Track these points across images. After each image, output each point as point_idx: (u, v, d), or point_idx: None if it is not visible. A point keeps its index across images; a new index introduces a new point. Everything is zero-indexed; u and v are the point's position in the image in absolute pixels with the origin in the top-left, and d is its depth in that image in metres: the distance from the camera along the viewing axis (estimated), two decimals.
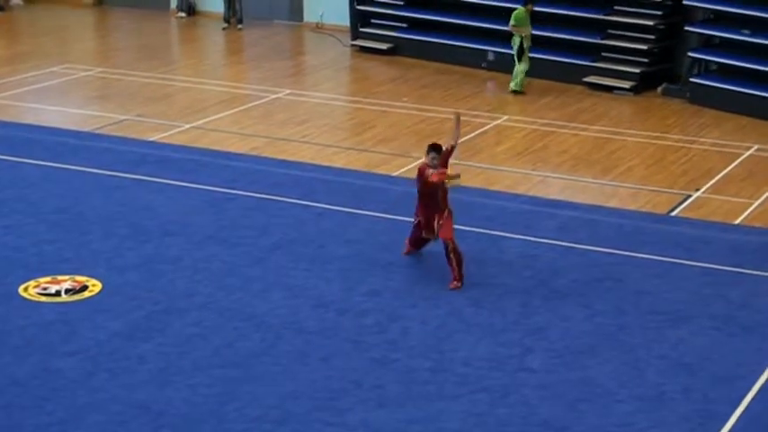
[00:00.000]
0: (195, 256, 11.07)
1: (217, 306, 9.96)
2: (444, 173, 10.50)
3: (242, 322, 9.66)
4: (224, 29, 22.62)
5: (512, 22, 17.74)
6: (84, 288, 10.17)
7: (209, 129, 15.66)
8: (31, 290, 10.07)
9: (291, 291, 10.32)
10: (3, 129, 15.12)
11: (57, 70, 18.71)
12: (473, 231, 11.86)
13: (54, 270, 10.50)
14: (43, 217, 11.90)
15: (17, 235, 11.39)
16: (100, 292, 10.13)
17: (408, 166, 14.16)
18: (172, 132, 15.37)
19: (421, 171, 10.63)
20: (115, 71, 18.93)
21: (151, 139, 15.03)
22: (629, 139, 15.66)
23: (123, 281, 10.39)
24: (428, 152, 10.65)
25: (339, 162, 14.30)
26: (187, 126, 15.74)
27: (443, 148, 10.66)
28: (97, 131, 15.28)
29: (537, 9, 18.26)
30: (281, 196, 12.76)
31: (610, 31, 18.64)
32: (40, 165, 13.63)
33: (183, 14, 23.72)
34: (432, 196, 10.60)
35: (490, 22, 19.52)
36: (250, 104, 17.12)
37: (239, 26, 22.63)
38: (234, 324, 9.62)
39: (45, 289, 10.09)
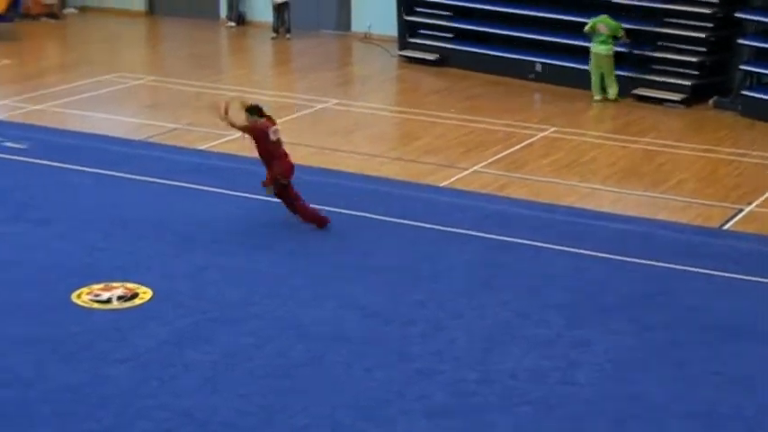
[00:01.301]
0: (243, 265, 11.15)
1: (264, 315, 10.03)
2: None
3: (288, 331, 9.71)
4: (273, 38, 22.79)
5: (609, 31, 17.80)
6: (135, 295, 10.28)
7: None
8: (83, 296, 10.20)
9: (338, 300, 10.37)
10: (55, 136, 15.33)
11: (108, 79, 18.94)
12: (519, 243, 11.84)
13: (106, 277, 10.63)
14: (95, 224, 12.05)
15: (70, 242, 11.54)
16: (150, 299, 10.24)
17: (455, 177, 14.19)
18: (221, 141, 15.50)
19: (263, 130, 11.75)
20: (166, 80, 19.13)
21: (201, 147, 15.17)
22: (679, 152, 15.56)
23: (173, 288, 10.49)
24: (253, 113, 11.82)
25: (386, 172, 14.34)
26: (235, 135, 15.81)
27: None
28: (148, 140, 15.45)
29: (588, 21, 18.23)
30: (329, 206, 12.80)
31: (660, 43, 18.53)
32: (92, 172, 13.81)
33: (233, 24, 23.93)
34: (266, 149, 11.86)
35: (538, 34, 19.52)
36: (297, 114, 17.23)
37: (288, 36, 22.78)
38: (280, 333, 9.67)
39: (97, 296, 10.22)
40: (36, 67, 20.10)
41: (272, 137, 11.88)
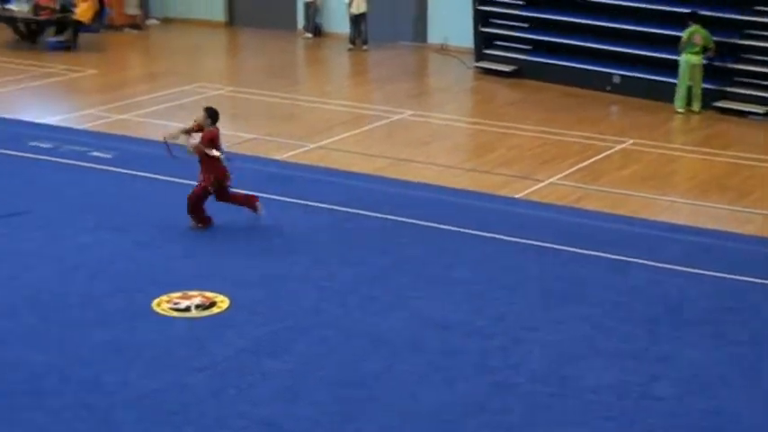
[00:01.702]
0: (319, 274, 11.20)
1: (339, 325, 10.05)
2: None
3: (365, 341, 9.72)
4: (349, 50, 22.90)
5: (703, 42, 17.63)
6: (213, 304, 10.38)
7: (333, 148, 15.85)
8: (163, 305, 10.32)
9: (413, 311, 10.35)
10: (138, 146, 15.57)
11: (189, 89, 19.20)
12: (596, 256, 11.72)
13: (184, 285, 10.74)
14: (173, 233, 12.20)
15: (150, 251, 11.69)
16: (228, 308, 10.32)
17: (531, 189, 14.10)
18: (297, 152, 15.60)
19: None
20: (244, 90, 19.33)
21: (277, 157, 15.28)
22: (763, 165, 15.27)
23: (249, 297, 10.56)
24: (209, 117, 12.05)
25: (461, 183, 14.31)
26: (312, 146, 15.96)
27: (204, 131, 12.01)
28: (227, 149, 15.56)
29: (667, 32, 18.04)
30: (404, 216, 12.82)
31: (743, 55, 18.24)
32: (172, 182, 13.98)
33: (310, 35, 24.10)
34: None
35: (616, 45, 19.34)
36: (373, 125, 17.28)
37: (364, 47, 22.88)
38: (356, 343, 9.68)
39: (176, 304, 10.34)
40: (120, 77, 20.45)
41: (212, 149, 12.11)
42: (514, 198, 13.76)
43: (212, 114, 12.17)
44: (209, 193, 12.27)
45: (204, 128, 12.15)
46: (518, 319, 10.23)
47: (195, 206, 12.28)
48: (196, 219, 12.35)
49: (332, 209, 13.11)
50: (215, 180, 12.18)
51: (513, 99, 19.32)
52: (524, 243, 12.11)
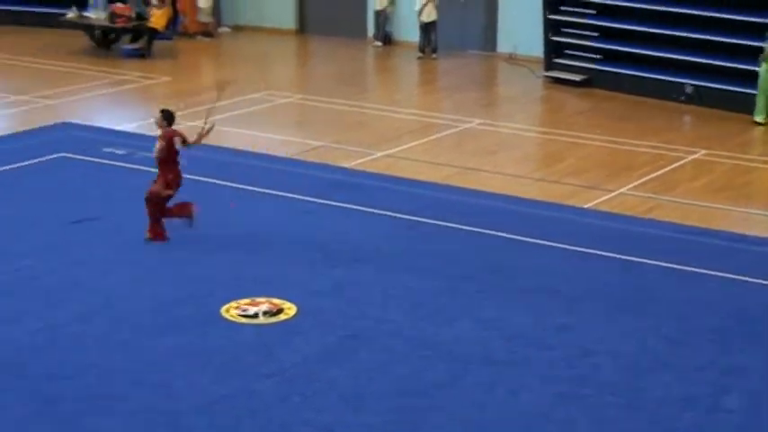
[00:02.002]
0: (385, 282, 11.24)
1: (405, 333, 10.08)
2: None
3: (430, 351, 9.73)
4: (419, 58, 22.94)
5: None
6: (280, 311, 10.47)
7: (402, 157, 15.90)
8: (231, 311, 10.44)
9: (479, 321, 10.34)
10: (208, 152, 15.73)
11: (259, 96, 19.39)
12: (666, 267, 11.61)
13: (252, 292, 10.85)
14: (243, 239, 12.33)
15: (219, 257, 11.83)
16: (295, 315, 10.41)
17: (600, 199, 14.00)
18: (365, 159, 15.68)
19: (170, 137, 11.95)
20: (313, 98, 19.47)
21: (345, 165, 15.37)
22: None
23: (316, 305, 10.64)
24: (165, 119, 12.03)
25: (529, 193, 14.26)
26: (380, 154, 16.03)
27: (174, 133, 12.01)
28: (294, 157, 15.74)
29: (744, 43, 17.79)
30: (471, 226, 12.81)
31: None
32: (241, 188, 14.13)
33: (380, 43, 24.19)
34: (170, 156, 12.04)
35: (688, 55, 19.12)
36: (442, 133, 17.30)
37: (433, 56, 22.90)
38: (421, 352, 9.70)
39: (244, 311, 10.45)
40: (192, 84, 20.72)
41: (177, 145, 12.04)
42: (583, 208, 13.68)
43: (168, 116, 12.12)
44: (170, 197, 12.12)
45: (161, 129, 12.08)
46: (584, 329, 10.16)
47: (156, 210, 12.11)
48: (154, 224, 12.14)
49: (399, 217, 13.15)
50: (173, 183, 12.08)
51: (583, 108, 19.20)
52: (592, 253, 12.03)
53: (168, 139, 12.00)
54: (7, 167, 14.74)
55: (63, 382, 8.99)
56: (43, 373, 9.13)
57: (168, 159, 12.05)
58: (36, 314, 10.25)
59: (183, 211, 12.33)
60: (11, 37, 24.20)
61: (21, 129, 16.92)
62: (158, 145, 12.03)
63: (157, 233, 12.17)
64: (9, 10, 25.60)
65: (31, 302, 10.53)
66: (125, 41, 23.15)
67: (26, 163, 15.00)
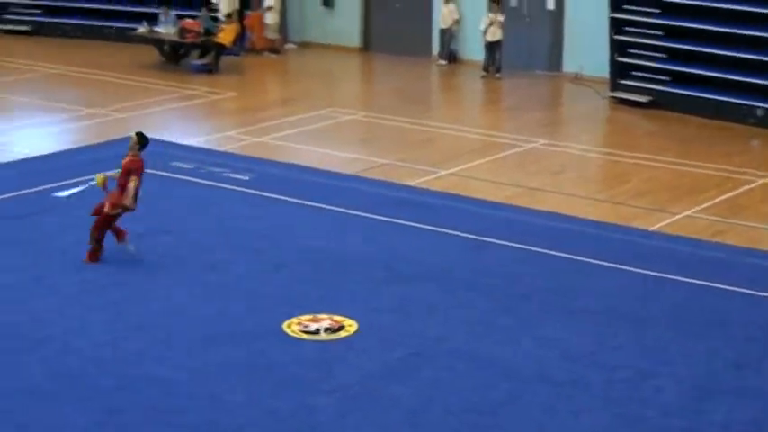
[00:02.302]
0: (447, 301, 11.25)
1: (466, 352, 10.08)
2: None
3: (490, 369, 9.73)
4: (482, 77, 22.94)
5: None
6: (341, 328, 10.53)
7: (465, 176, 15.91)
8: (293, 326, 10.52)
9: (541, 341, 10.31)
10: (274, 168, 15.91)
11: (324, 113, 19.53)
12: (733, 291, 11.47)
13: (314, 308, 10.92)
14: (306, 256, 12.42)
15: (282, 272, 11.92)
16: (356, 332, 10.46)
17: (666, 221, 13.89)
18: (429, 178, 15.71)
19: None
20: (377, 116, 19.56)
21: (409, 183, 15.42)
22: None
23: (378, 322, 10.68)
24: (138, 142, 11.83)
25: (593, 214, 14.18)
26: (444, 172, 16.05)
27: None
28: (359, 174, 15.82)
29: None
30: (534, 246, 12.78)
31: None
32: (306, 204, 14.24)
33: (444, 62, 24.24)
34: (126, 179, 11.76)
35: (759, 78, 18.89)
36: (505, 153, 17.27)
37: (497, 75, 22.90)
38: (483, 371, 9.70)
39: (306, 327, 10.52)
40: (258, 100, 20.94)
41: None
42: (648, 230, 13.57)
43: (143, 141, 11.93)
44: (117, 216, 11.90)
45: (131, 154, 11.87)
46: (647, 351, 10.08)
47: (102, 227, 11.88)
48: (96, 241, 11.93)
49: (462, 236, 13.15)
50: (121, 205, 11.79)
51: (649, 130, 19.06)
52: (656, 276, 11.93)
53: (127, 171, 11.75)
54: (80, 179, 15.00)
55: (126, 394, 9.12)
56: (107, 384, 9.28)
57: (124, 183, 11.78)
58: (101, 326, 10.42)
59: (119, 235, 12.06)
60: (84, 51, 24.67)
61: (93, 141, 17.22)
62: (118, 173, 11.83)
63: (97, 249, 11.95)
64: (83, 24, 26.11)
65: (96, 314, 10.70)
66: (193, 57, 23.47)
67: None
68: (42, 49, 24.82)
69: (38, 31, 26.44)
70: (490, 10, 22.98)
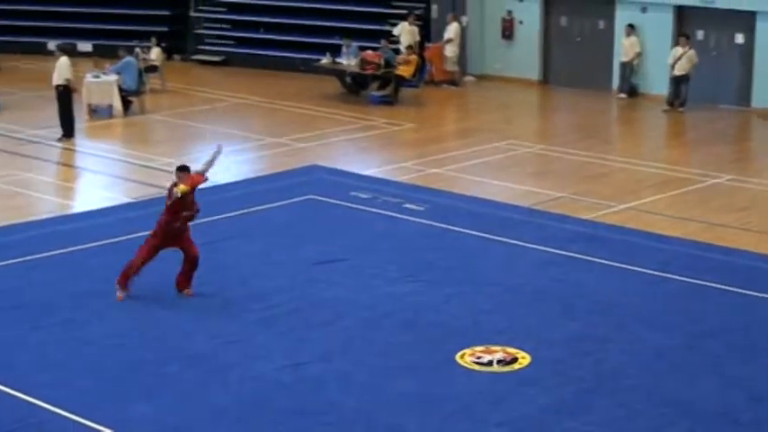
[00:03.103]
0: (624, 337, 11.02)
1: (643, 389, 9.84)
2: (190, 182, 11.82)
3: (670, 408, 9.47)
4: (664, 111, 22.46)
5: None
6: (515, 360, 10.45)
7: (643, 210, 15.58)
8: (466, 358, 10.50)
9: (724, 380, 9.99)
10: (449, 199, 15.98)
11: (500, 145, 19.51)
12: None
13: (488, 340, 10.88)
14: (480, 288, 12.40)
15: (457, 304, 11.93)
16: (529, 365, 10.36)
17: None
18: (605, 212, 15.46)
19: (170, 189, 11.78)
20: (554, 149, 19.40)
21: (586, 217, 15.21)
22: None
23: (552, 356, 10.56)
24: (176, 172, 11.86)
25: None
26: (621, 206, 15.77)
27: (191, 171, 11.90)
28: (534, 207, 15.71)
29: None
30: (717, 283, 12.39)
31: None
32: (481, 236, 14.23)
33: (624, 95, 23.86)
34: (176, 210, 11.77)
35: None
36: (687, 188, 16.83)
37: (680, 109, 22.37)
38: (661, 409, 9.45)
39: (479, 358, 10.49)
40: (435, 132, 21.09)
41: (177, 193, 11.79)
42: None
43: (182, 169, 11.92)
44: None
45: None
46: None
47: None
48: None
49: (640, 271, 12.88)
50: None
51: None
52: None
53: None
54: (260, 207, 15.46)
55: (305, 419, 9.29)
56: (287, 409, 9.47)
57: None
58: (282, 352, 10.65)
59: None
60: (271, 81, 25.47)
61: (274, 170, 17.71)
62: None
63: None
64: (271, 55, 26.99)
65: (278, 340, 10.95)
66: (373, 88, 23.86)
67: (277, 204, 15.68)
68: (232, 79, 25.77)
69: (229, 61, 27.49)
70: (678, 44, 22.50)
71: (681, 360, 10.46)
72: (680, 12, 23.40)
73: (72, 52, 20.83)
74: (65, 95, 19.59)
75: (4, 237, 14.03)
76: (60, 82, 19.57)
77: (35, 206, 15.79)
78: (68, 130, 19.64)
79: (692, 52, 22.20)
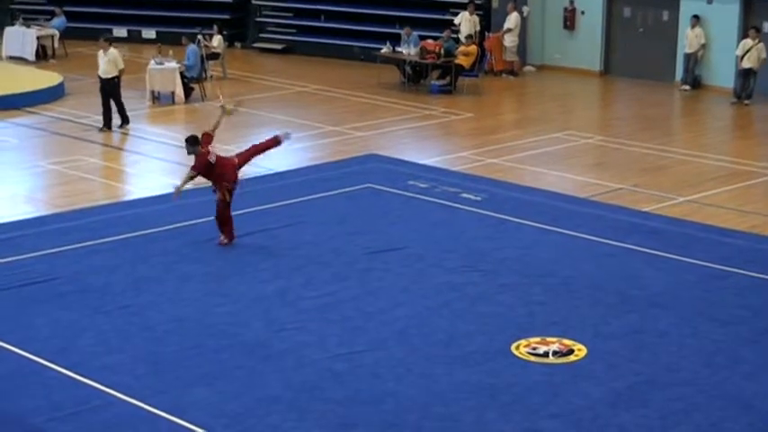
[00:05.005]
0: (681, 330, 10.92)
1: (701, 383, 9.75)
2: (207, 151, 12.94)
3: (728, 402, 9.37)
4: (732, 103, 22.15)
5: None
6: (570, 352, 10.40)
7: (705, 203, 15.39)
8: (521, 348, 10.48)
9: None
10: (506, 190, 15.91)
11: (559, 136, 19.39)
12: None
13: (543, 331, 10.85)
14: (536, 279, 12.35)
15: (512, 294, 11.90)
16: (584, 357, 10.30)
17: None
18: (665, 204, 15.31)
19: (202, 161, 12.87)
20: (614, 140, 19.23)
21: (644, 209, 15.06)
22: None
23: (608, 348, 10.49)
24: (186, 145, 13.00)
25: None
26: (681, 199, 15.60)
27: (199, 136, 13.02)
28: (592, 198, 15.60)
29: None
30: None
31: None
32: (538, 227, 14.16)
33: (687, 87, 23.57)
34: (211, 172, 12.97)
35: None
36: (752, 181, 16.60)
37: (746, 102, 22.04)
38: (719, 403, 9.35)
39: (534, 349, 10.46)
40: (494, 121, 21.02)
41: (212, 160, 12.95)
42: None
43: (193, 142, 13.11)
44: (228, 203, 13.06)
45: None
46: None
47: (221, 220, 13.18)
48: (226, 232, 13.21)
49: (701, 264, 12.73)
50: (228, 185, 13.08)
51: None
52: None
53: (203, 165, 12.92)
54: (318, 195, 15.52)
55: (359, 408, 9.33)
56: (341, 397, 9.51)
57: (209, 174, 12.97)
58: (336, 340, 10.70)
59: (229, 231, 13.23)
60: (332, 69, 25.56)
61: (332, 159, 17.78)
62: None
63: (228, 235, 13.21)
64: (332, 44, 27.07)
65: (332, 328, 11.00)
66: (433, 77, 23.82)
67: (335, 192, 15.74)
68: (294, 68, 25.89)
69: (290, 49, 27.62)
70: (748, 36, 22.15)
71: (741, 355, 10.33)
72: (747, 3, 23.04)
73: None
74: (119, 86, 19.65)
75: (67, 222, 14.26)
76: (116, 73, 19.62)
77: (98, 191, 16.02)
78: (124, 119, 19.77)
79: (761, 45, 21.85)
